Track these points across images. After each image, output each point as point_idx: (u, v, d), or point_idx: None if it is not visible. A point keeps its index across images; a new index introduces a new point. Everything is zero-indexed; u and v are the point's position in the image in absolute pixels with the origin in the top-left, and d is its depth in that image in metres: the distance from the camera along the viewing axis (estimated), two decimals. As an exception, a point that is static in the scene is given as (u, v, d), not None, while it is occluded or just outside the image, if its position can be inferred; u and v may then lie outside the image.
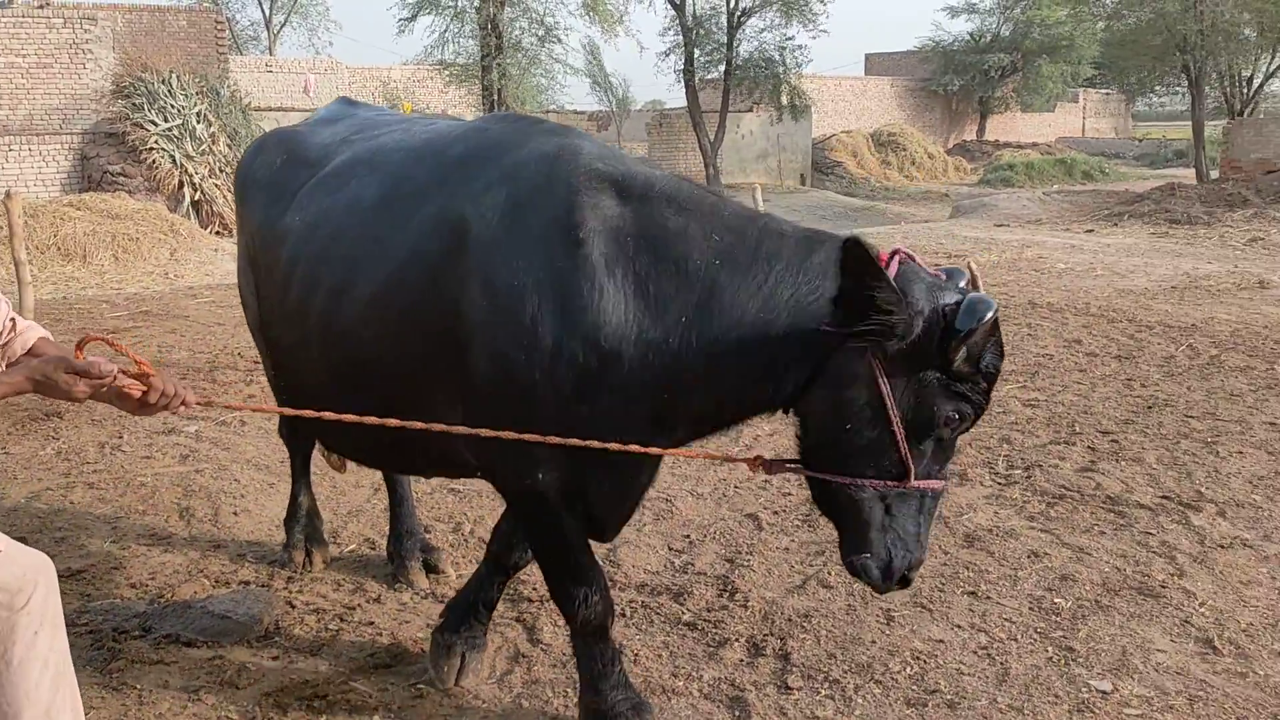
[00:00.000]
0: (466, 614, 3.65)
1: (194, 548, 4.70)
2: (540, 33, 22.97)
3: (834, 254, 2.67)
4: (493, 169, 3.05)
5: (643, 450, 2.84)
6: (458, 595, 3.78)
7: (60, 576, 4.37)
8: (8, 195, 9.66)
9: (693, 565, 4.55)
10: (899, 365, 2.63)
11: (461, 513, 5.11)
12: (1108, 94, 49.85)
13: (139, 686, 3.55)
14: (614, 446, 2.80)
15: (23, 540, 4.68)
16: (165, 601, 4.17)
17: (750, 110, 30.50)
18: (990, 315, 2.54)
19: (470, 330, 2.91)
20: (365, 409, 3.02)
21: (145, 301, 11.47)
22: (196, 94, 20.04)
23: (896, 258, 2.71)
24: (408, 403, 3.09)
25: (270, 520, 5.02)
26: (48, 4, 23.99)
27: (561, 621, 3.98)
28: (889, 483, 2.72)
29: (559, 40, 23.01)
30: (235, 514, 5.08)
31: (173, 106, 19.51)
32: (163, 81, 19.82)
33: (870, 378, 2.64)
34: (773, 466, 2.97)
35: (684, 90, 28.00)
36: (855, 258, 2.54)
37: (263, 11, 44.38)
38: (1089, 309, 10.28)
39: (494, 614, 4.04)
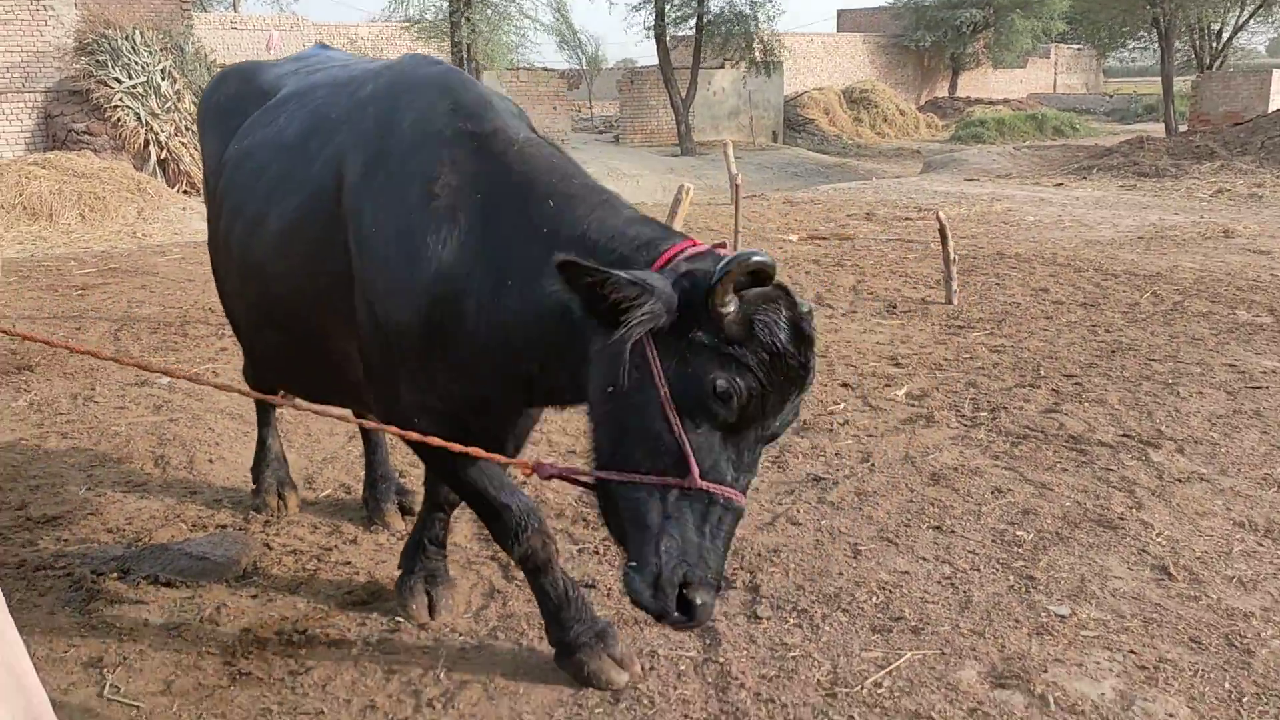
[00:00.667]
0: (417, 553, 3.76)
1: (170, 494, 4.74)
2: (509, -13, 22.68)
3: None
4: (379, 114, 3.11)
5: (420, 436, 2.82)
6: (408, 539, 3.87)
7: (36, 522, 4.45)
8: (-30, 151, 9.51)
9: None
10: (669, 342, 2.38)
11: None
12: (1079, 50, 49.90)
13: (118, 625, 3.60)
14: (419, 438, 2.80)
15: (-3, 489, 4.74)
16: (143, 545, 4.21)
17: (722, 67, 30.33)
18: (751, 261, 2.26)
19: (351, 271, 3.02)
20: (279, 342, 3.14)
21: (114, 259, 11.37)
22: (160, 51, 19.74)
23: (683, 253, 2.49)
24: (313, 337, 3.21)
25: (246, 467, 5.03)
26: (4, -40, 23.45)
27: (536, 559, 4.08)
28: (667, 479, 2.36)
29: (529, -5, 22.71)
30: (210, 461, 5.10)
31: (137, 64, 19.20)
32: (126, 38, 19.49)
33: (640, 353, 2.38)
34: (544, 470, 2.67)
35: (654, 46, 27.81)
36: (570, 276, 2.32)
37: (226, -33, 43.44)
38: (1056, 259, 10.39)
39: (468, 554, 4.12)
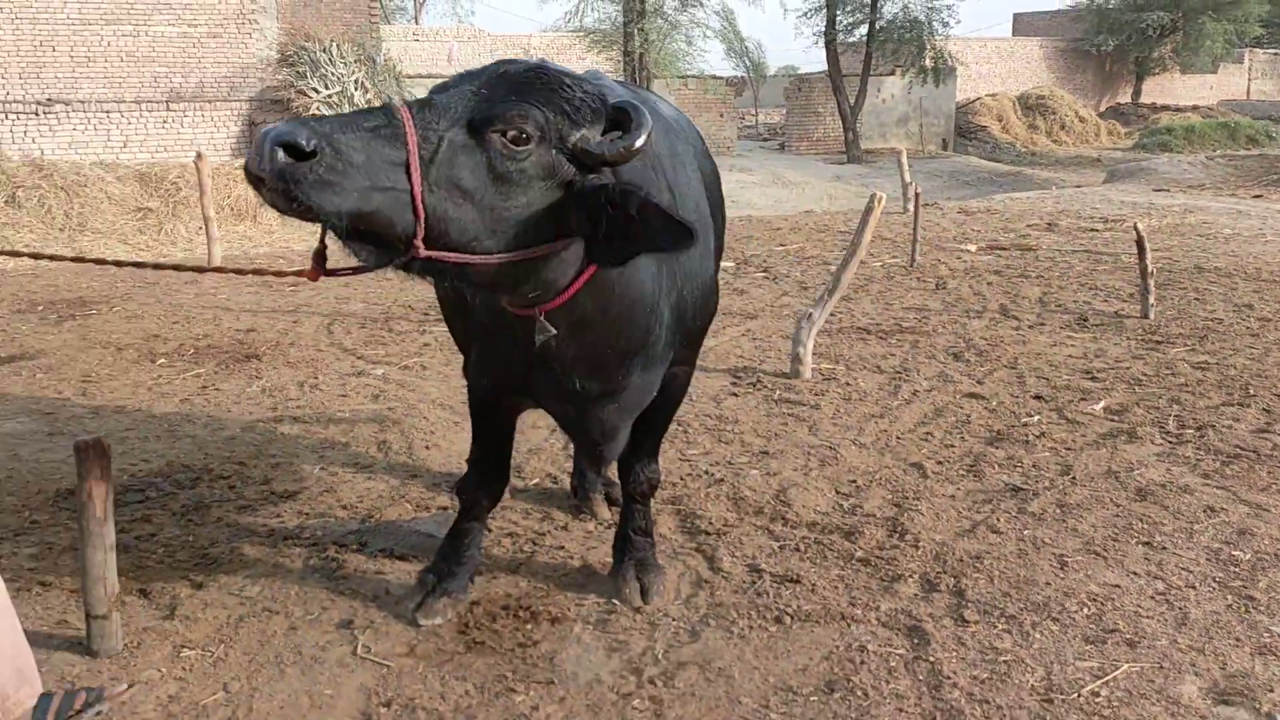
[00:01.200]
0: (625, 543, 4.01)
1: (394, 476, 5.09)
2: (683, -3, 23.01)
3: None
4: None
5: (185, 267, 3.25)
6: (616, 529, 4.13)
7: (280, 496, 4.85)
8: (199, 156, 10.35)
9: (861, 508, 4.70)
10: None
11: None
12: (1276, 54, 47.02)
13: (362, 592, 3.92)
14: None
15: (241, 465, 5.19)
16: (375, 521, 4.55)
17: (892, 74, 29.93)
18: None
19: None
20: None
21: (316, 258, 12.09)
22: (355, 62, 20.85)
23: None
24: None
25: (459, 454, 5.36)
26: (215, -24, 25.16)
27: (739, 552, 4.23)
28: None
29: (700, 4, 23.01)
30: (427, 448, 5.45)
31: (332, 74, 20.34)
32: (324, 50, 20.67)
33: None
34: (324, 270, 2.54)
35: (823, 53, 27.67)
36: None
37: (410, -19, 45.47)
38: (1260, 274, 9.92)
39: (674, 544, 4.30)
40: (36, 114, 18.69)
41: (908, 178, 15.95)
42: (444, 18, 46.64)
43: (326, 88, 19.99)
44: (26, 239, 14.66)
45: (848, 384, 6.50)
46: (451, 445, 5.49)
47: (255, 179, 2.20)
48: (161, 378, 6.75)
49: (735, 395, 6.31)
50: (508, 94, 2.42)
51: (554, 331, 2.79)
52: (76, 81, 19.90)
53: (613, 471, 4.32)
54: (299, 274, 2.61)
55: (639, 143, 2.46)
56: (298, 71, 20.23)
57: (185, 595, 3.90)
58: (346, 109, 19.81)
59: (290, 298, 9.29)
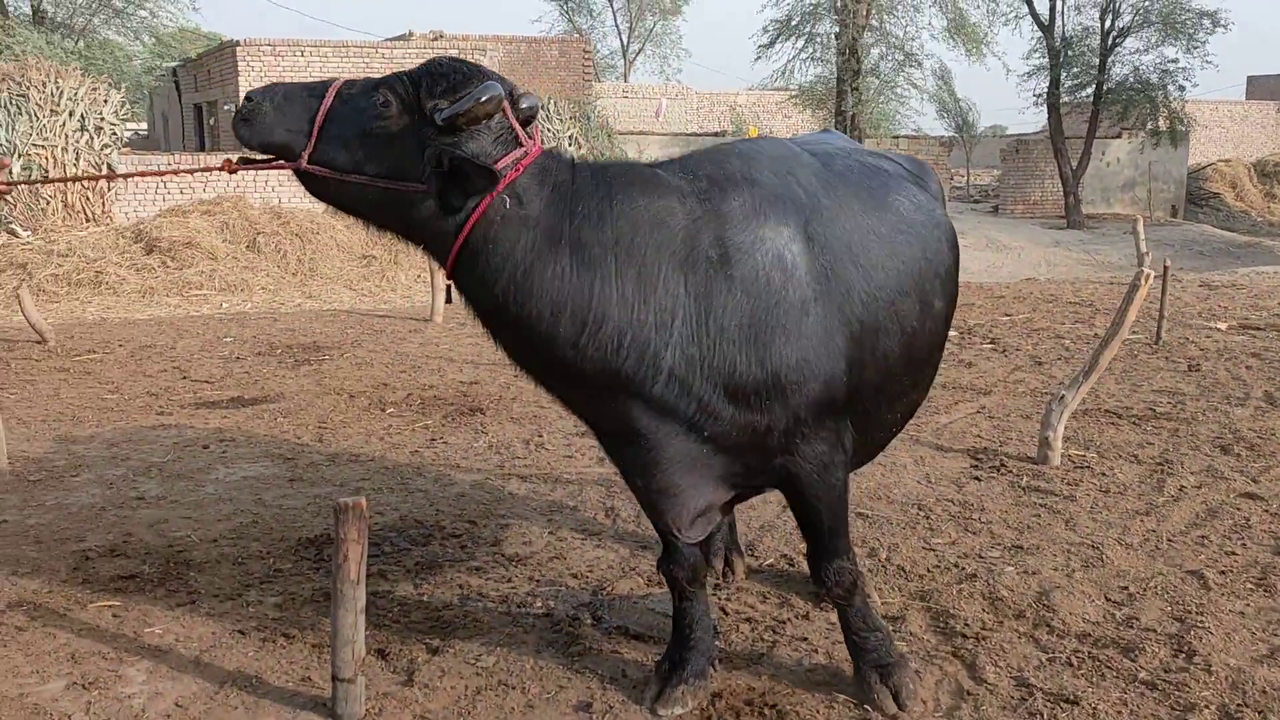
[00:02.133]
0: (854, 645, 3.67)
1: (623, 545, 4.94)
2: (899, 57, 22.64)
3: None
4: None
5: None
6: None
7: (510, 560, 4.76)
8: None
9: (1137, 620, 4.22)
10: None
11: (875, 538, 5.04)
12: None
13: (599, 672, 3.75)
14: None
15: (472, 524, 5.16)
16: (608, 594, 4.40)
17: (1118, 136, 28.52)
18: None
19: None
20: None
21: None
22: (570, 118, 21.44)
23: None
24: None
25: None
26: (441, 36, 26.53)
27: (1002, 661, 3.85)
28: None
29: (918, 64, 22.58)
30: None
31: (549, 130, 20.96)
32: (541, 106, 21.36)
33: None
34: (243, 164, 3.13)
35: (1036, 115, 26.69)
36: None
37: (621, 41, 46.83)
38: None
39: (926, 645, 3.95)
40: (279, 165, 19.99)
41: (1144, 247, 14.96)
42: (652, 76, 47.93)
43: (543, 142, 20.58)
44: (263, 281, 15.62)
45: (1103, 474, 5.97)
46: (680, 516, 5.31)
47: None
48: (392, 427, 6.88)
49: (978, 479, 5.89)
50: (397, 76, 2.99)
51: (451, 301, 3.23)
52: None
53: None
54: (220, 168, 3.18)
55: (447, 113, 2.84)
56: (517, 128, 20.95)
57: (422, 660, 3.83)
58: (561, 165, 20.34)
59: (510, 350, 9.40)
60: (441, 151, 2.85)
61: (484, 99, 2.81)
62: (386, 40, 26.14)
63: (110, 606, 4.25)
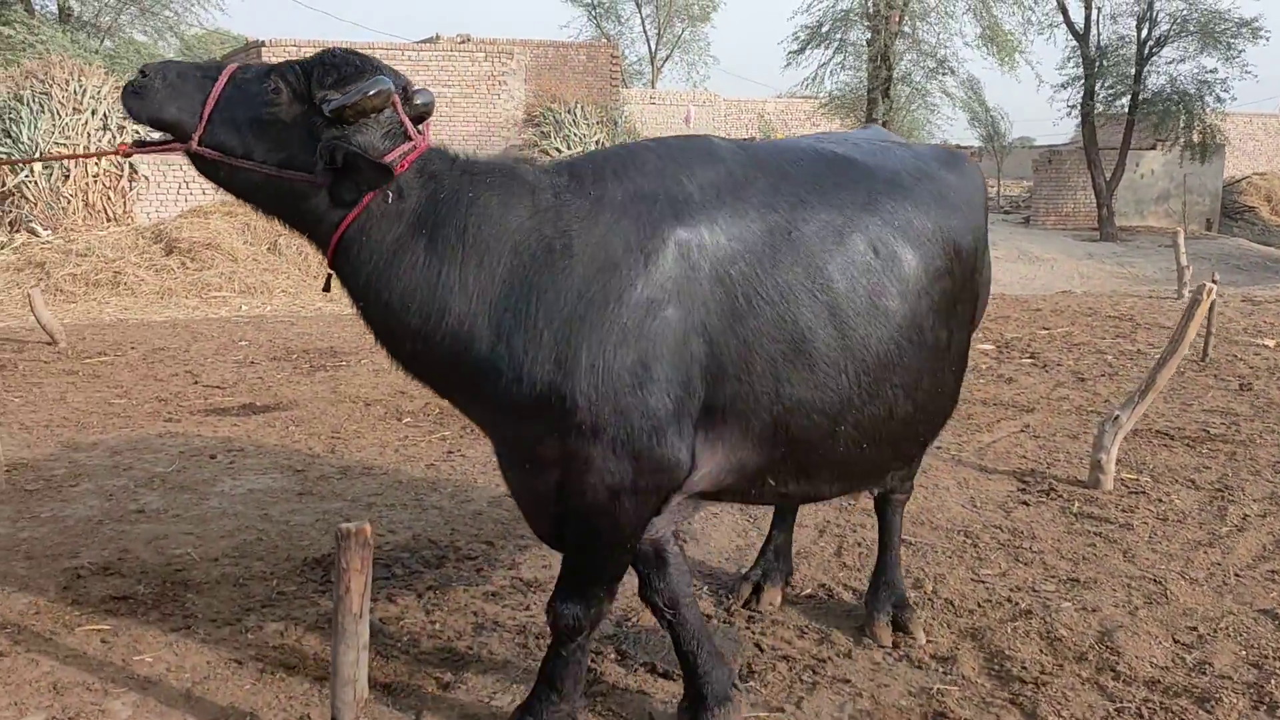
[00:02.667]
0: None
1: (648, 571, 4.62)
2: (931, 65, 22.24)
3: None
4: None
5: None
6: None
7: (529, 585, 4.45)
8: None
9: (1209, 665, 3.86)
10: None
11: (919, 567, 4.70)
12: None
13: (624, 715, 3.44)
14: None
15: (489, 545, 4.85)
16: (632, 625, 4.09)
17: (1153, 148, 27.98)
18: None
19: None
20: None
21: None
22: (597, 124, 21.17)
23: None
24: None
25: (718, 550, 4.87)
26: (468, 39, 26.35)
27: (1065, 710, 3.51)
28: None
29: (951, 72, 22.17)
30: (684, 541, 4.97)
31: (575, 135, 20.72)
32: (568, 111, 21.11)
33: None
34: (137, 147, 3.14)
35: (1068, 126, 26.19)
36: None
37: (649, 47, 46.50)
38: None
39: (981, 691, 3.62)
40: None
41: (1184, 260, 14.55)
42: (679, 82, 47.42)
43: (569, 148, 20.34)
44: (284, 284, 15.40)
45: (1160, 500, 5.60)
46: (710, 540, 4.99)
47: None
48: (408, 438, 6.59)
49: (1026, 504, 5.53)
50: (289, 65, 2.94)
51: (329, 290, 3.17)
52: (337, 137, 21.06)
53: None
54: (115, 153, 3.27)
55: (335, 103, 2.79)
56: (542, 131, 20.72)
57: (431, 697, 3.53)
58: (586, 170, 20.11)
59: None
60: (334, 146, 2.81)
61: (372, 92, 2.79)
62: (414, 43, 25.98)
63: (99, 630, 3.96)
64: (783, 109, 38.60)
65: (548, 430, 2.88)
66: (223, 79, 2.93)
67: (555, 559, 4.66)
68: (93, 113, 17.04)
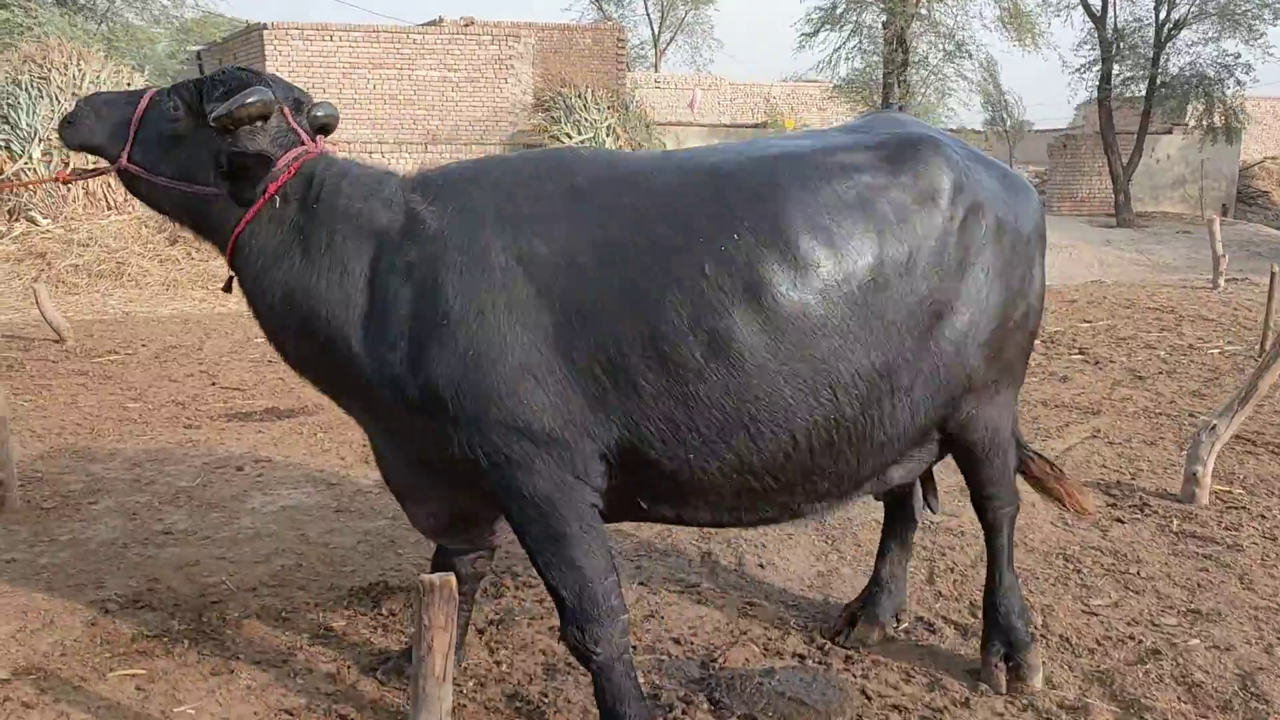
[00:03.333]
0: None
1: (726, 601, 4.23)
2: (950, 47, 21.77)
3: None
4: None
5: None
6: None
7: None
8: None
9: (1364, 713, 3.48)
10: None
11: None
12: None
13: (731, 782, 3.05)
14: None
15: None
16: (721, 668, 3.70)
17: (1169, 132, 27.53)
18: None
19: None
20: None
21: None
22: (608, 108, 20.68)
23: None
24: None
25: (797, 577, 4.48)
26: (473, 22, 25.82)
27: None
28: None
29: (969, 55, 21.70)
30: (761, 566, 4.57)
31: (585, 120, 20.23)
32: (578, 96, 20.61)
33: None
34: (75, 175, 3.46)
35: (1080, 111, 25.70)
36: None
37: (651, 30, 45.90)
38: None
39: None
40: (307, 153, 19.34)
41: (1220, 249, 14.14)
42: (683, 66, 46.75)
43: (580, 133, 19.86)
44: (293, 275, 14.93)
45: (1262, 516, 5.21)
46: (788, 564, 4.60)
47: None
48: (445, 446, 6.18)
49: (1121, 521, 5.14)
50: (185, 83, 3.15)
51: (229, 291, 3.26)
52: (342, 123, 20.53)
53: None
54: (55, 179, 3.53)
55: (216, 112, 2.96)
56: (552, 116, 20.23)
57: (510, 758, 3.14)
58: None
59: None
60: (219, 151, 2.99)
61: (249, 100, 2.94)
62: (418, 26, 25.46)
63: (133, 676, 3.57)
64: (789, 93, 38.10)
65: (419, 431, 3.02)
66: (143, 102, 3.16)
67: (623, 587, 4.27)
68: (93, 97, 16.52)
